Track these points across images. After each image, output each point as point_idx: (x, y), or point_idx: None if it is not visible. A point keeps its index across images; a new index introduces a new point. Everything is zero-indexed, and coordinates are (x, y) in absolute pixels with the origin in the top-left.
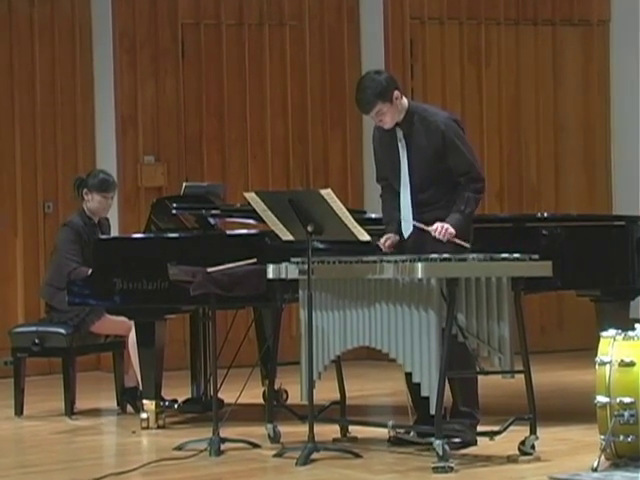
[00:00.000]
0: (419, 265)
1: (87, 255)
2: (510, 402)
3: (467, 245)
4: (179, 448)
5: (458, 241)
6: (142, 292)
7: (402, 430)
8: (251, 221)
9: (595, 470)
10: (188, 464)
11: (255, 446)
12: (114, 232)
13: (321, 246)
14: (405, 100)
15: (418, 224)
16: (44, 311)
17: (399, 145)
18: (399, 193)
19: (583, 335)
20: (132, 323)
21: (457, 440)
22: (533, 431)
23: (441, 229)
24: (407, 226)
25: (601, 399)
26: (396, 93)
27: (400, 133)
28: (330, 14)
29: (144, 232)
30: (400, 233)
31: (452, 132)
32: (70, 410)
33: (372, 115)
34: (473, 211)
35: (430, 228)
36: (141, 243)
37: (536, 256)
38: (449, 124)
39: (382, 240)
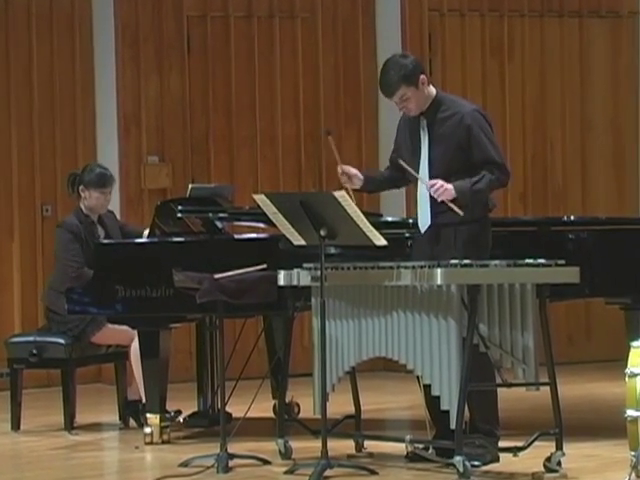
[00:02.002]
0: (438, 271)
1: (87, 254)
2: (535, 416)
3: (460, 212)
4: (185, 464)
5: (452, 205)
6: (146, 300)
7: (420, 445)
8: (261, 225)
9: None
10: None
11: (265, 462)
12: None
13: (335, 251)
14: (432, 88)
15: (413, 172)
16: (44, 316)
17: (421, 133)
18: (416, 186)
19: (612, 345)
20: (135, 333)
21: (477, 463)
22: (559, 447)
23: (439, 187)
24: (424, 220)
25: (631, 413)
26: (422, 78)
27: (424, 122)
28: (344, 5)
29: (148, 236)
30: (367, 182)
31: (478, 125)
32: (70, 425)
33: (396, 100)
34: (483, 190)
35: (429, 182)
36: (144, 248)
37: (562, 261)
38: (476, 117)
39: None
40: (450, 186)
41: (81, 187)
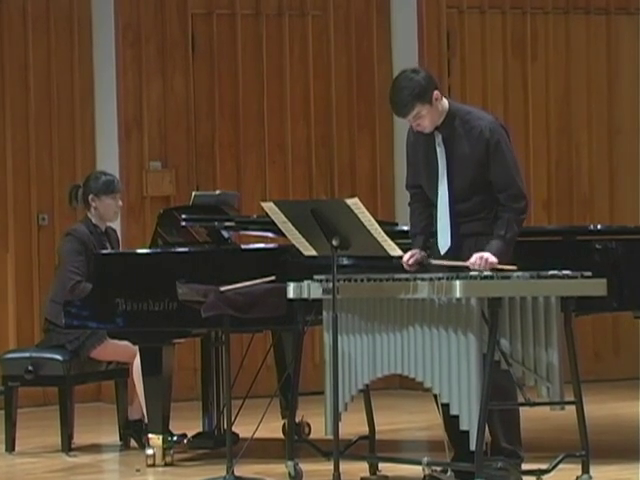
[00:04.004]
0: (457, 283)
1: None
2: (560, 437)
3: (514, 268)
4: None
5: (502, 267)
6: (147, 314)
7: (438, 468)
8: (269, 234)
9: None
10: None
11: None
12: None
13: (347, 262)
14: (445, 101)
15: (451, 263)
16: (43, 329)
17: (437, 151)
18: (435, 204)
19: None
20: (136, 348)
21: None
22: (586, 470)
23: (480, 261)
24: (444, 241)
25: None
26: (436, 94)
27: (439, 137)
28: (357, 3)
29: (150, 246)
30: (426, 248)
31: (498, 139)
32: (67, 446)
33: (409, 119)
34: (516, 235)
35: (468, 263)
36: (146, 259)
37: (589, 273)
38: (495, 130)
39: (405, 257)
40: (488, 254)
41: (91, 197)
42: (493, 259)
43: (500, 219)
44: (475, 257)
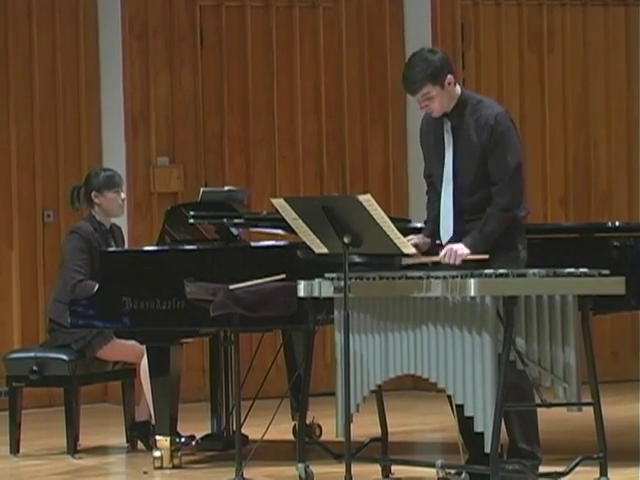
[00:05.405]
0: (472, 281)
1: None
2: (577, 439)
3: (485, 256)
4: None
5: (472, 257)
6: (155, 312)
7: (452, 470)
8: (279, 231)
9: None
10: None
11: None
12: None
13: (359, 260)
14: (458, 88)
15: (423, 259)
16: (47, 329)
17: (445, 137)
18: (440, 192)
19: None
20: (144, 348)
21: None
22: (604, 473)
23: (450, 252)
24: (446, 231)
25: None
26: (449, 78)
27: (448, 125)
28: None
29: (157, 244)
30: (438, 236)
31: (502, 129)
32: (73, 447)
33: (418, 97)
34: (496, 231)
35: (438, 257)
36: (154, 256)
37: (607, 271)
38: (502, 120)
39: (407, 237)
40: (460, 245)
41: (93, 193)
42: (464, 251)
43: (485, 212)
44: (446, 249)
